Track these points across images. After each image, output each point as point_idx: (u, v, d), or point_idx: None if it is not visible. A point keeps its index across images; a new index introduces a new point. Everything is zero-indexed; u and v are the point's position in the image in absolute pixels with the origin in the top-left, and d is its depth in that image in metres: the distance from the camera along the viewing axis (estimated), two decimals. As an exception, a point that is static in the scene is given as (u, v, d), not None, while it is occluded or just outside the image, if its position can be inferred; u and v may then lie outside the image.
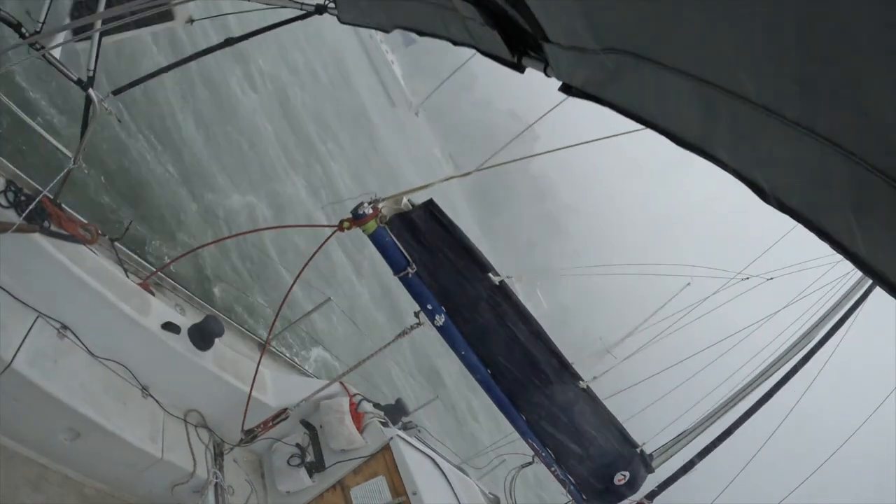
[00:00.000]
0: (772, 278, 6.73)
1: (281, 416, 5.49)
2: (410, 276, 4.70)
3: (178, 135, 15.11)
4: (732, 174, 1.39)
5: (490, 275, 4.80)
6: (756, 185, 1.33)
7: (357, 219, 4.46)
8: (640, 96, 1.65)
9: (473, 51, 2.57)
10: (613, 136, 3.85)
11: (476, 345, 4.98)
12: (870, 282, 5.52)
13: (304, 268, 4.77)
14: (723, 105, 1.26)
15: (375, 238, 4.59)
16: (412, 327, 5.03)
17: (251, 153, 19.25)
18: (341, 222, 4.47)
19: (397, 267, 4.69)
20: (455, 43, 2.86)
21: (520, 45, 2.25)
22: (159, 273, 6.01)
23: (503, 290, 4.86)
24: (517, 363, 5.02)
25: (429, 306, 4.83)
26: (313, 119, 27.32)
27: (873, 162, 0.98)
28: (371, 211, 4.47)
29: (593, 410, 5.26)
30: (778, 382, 5.43)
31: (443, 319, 4.86)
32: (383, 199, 4.56)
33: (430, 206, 4.66)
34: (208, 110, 17.84)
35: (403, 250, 4.66)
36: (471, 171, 4.76)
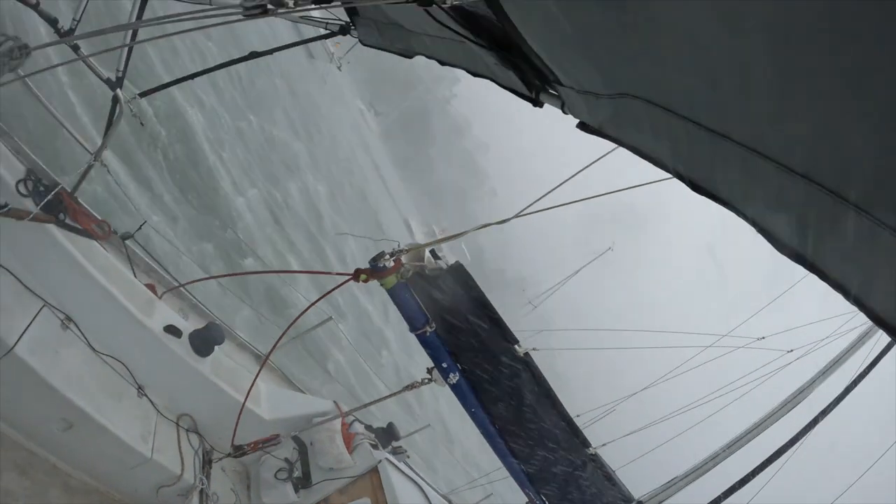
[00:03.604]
0: (791, 350, 6.67)
1: (272, 440, 5.51)
2: (428, 334, 4.46)
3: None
4: (752, 225, 1.42)
5: (516, 346, 4.63)
6: (768, 232, 1.36)
7: (377, 271, 4.16)
8: (652, 139, 1.68)
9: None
10: (646, 184, 3.48)
11: (487, 405, 4.86)
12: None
13: (309, 307, 4.72)
14: (730, 153, 1.30)
15: (394, 293, 4.33)
16: (422, 382, 4.84)
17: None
18: (357, 272, 4.15)
19: (415, 324, 4.45)
20: (474, 74, 2.96)
21: (537, 81, 2.32)
22: (167, 277, 6.11)
23: (526, 361, 4.69)
24: (527, 425, 4.85)
25: (444, 364, 4.61)
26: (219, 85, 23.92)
27: (855, 201, 1.03)
28: (392, 264, 4.16)
29: (596, 470, 5.19)
30: (786, 444, 5.36)
31: (456, 378, 4.64)
32: (406, 251, 4.27)
33: (458, 270, 4.44)
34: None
35: (424, 308, 4.42)
36: (509, 217, 4.07)
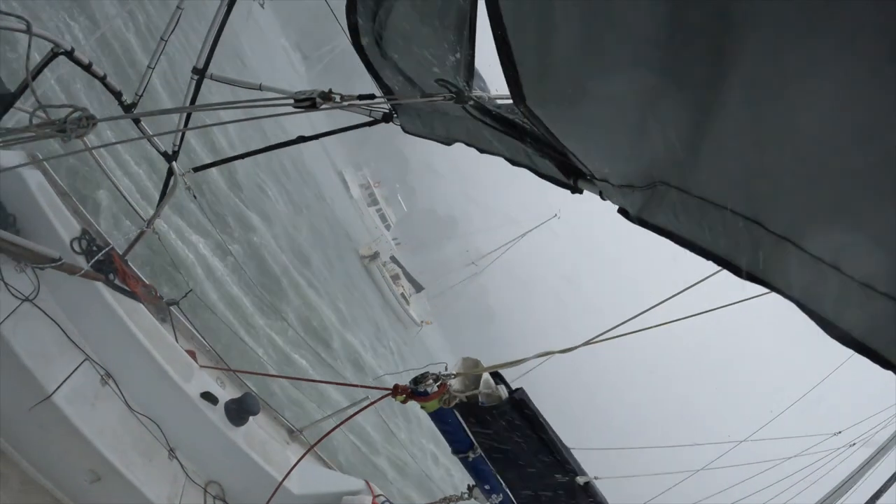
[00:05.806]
0: (854, 444, 6.43)
1: None
2: (471, 458, 4.09)
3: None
4: (796, 304, 1.39)
5: (578, 477, 4.10)
6: (822, 317, 1.32)
7: (417, 395, 3.72)
8: (689, 226, 1.68)
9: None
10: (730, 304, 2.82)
11: None
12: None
13: (349, 418, 4.69)
14: (765, 240, 1.34)
15: (435, 417, 3.97)
16: (461, 497, 4.51)
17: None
18: (396, 389, 3.72)
19: (458, 448, 4.09)
20: (513, 163, 3.03)
21: (576, 170, 2.36)
22: (207, 345, 6.26)
23: (587, 491, 4.16)
24: None
25: (487, 486, 4.25)
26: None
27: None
28: (436, 389, 3.72)
29: None
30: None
31: (500, 498, 4.24)
32: (455, 375, 3.78)
33: (519, 400, 3.84)
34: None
35: (469, 433, 4.03)
36: (573, 346, 3.40)
